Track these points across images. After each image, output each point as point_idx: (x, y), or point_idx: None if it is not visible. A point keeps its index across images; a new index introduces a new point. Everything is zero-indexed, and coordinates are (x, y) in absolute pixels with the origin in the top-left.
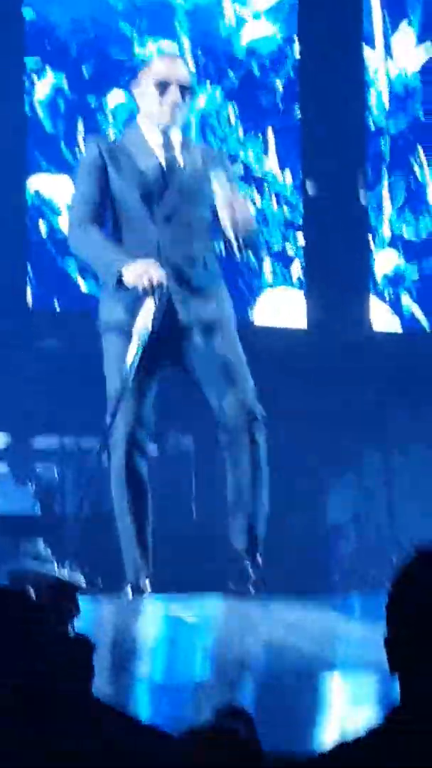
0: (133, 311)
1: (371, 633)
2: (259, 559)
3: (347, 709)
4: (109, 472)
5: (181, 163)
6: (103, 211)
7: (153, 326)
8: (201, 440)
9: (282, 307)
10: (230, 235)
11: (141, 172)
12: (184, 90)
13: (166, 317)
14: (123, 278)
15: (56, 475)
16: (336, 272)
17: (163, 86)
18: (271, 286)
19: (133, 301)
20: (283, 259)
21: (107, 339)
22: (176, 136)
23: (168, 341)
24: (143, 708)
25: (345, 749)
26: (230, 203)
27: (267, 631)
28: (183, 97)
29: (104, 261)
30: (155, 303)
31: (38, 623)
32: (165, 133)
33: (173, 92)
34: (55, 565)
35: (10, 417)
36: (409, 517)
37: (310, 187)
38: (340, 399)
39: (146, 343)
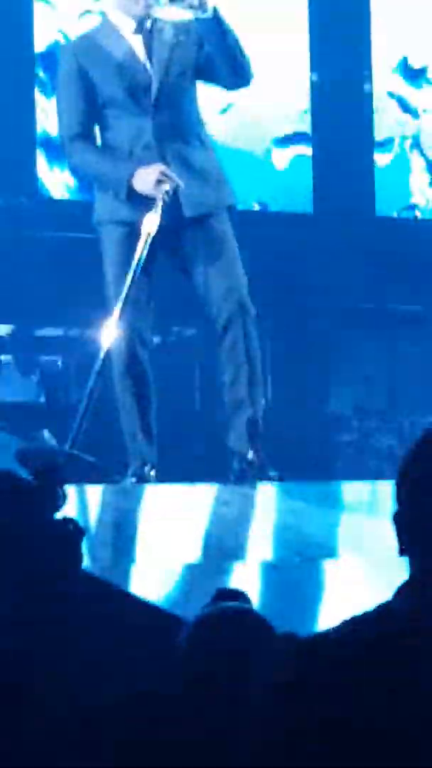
0: (136, 207)
1: (372, 521)
2: (257, 458)
3: (351, 593)
4: (111, 361)
5: (159, 45)
6: (93, 117)
7: (138, 215)
8: (204, 330)
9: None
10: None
11: (119, 64)
12: None
13: (172, 209)
14: (135, 187)
15: (60, 364)
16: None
17: None
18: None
19: (137, 199)
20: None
21: (107, 231)
22: (149, 22)
23: (166, 231)
24: (139, 587)
25: (355, 622)
26: None
27: (269, 517)
28: None
29: (109, 174)
30: (166, 202)
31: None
32: (139, 21)
33: None
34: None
35: (15, 306)
36: (412, 402)
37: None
38: (342, 285)
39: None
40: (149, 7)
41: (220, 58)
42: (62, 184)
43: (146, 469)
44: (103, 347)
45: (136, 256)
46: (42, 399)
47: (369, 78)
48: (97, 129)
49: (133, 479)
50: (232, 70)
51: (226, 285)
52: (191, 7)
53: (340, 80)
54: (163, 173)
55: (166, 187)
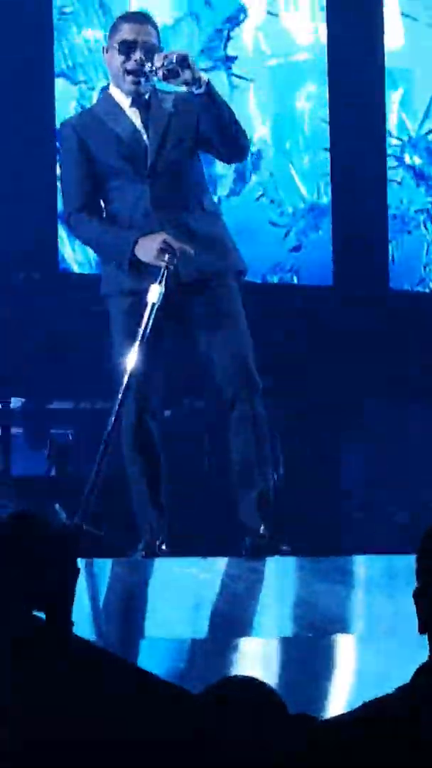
0: (141, 276)
1: (385, 596)
2: (268, 533)
3: (365, 670)
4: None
5: (156, 115)
6: (96, 190)
7: (140, 284)
8: (214, 402)
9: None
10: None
11: (117, 136)
12: (151, 50)
13: (181, 271)
14: (138, 256)
15: (71, 437)
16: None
17: (126, 48)
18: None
19: (140, 268)
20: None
21: (114, 302)
22: (146, 95)
23: (172, 299)
24: (150, 663)
25: (374, 706)
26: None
27: (281, 592)
28: (149, 58)
29: (111, 244)
30: (171, 271)
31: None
32: (135, 94)
33: (137, 55)
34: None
35: (26, 379)
36: (424, 478)
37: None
38: (356, 359)
39: (160, 307)
40: (137, 84)
41: (215, 133)
42: (84, 260)
43: (156, 542)
44: (111, 420)
45: (141, 327)
46: (52, 472)
47: (384, 151)
48: (102, 203)
49: (143, 553)
50: (227, 146)
51: (230, 357)
52: (185, 83)
53: (357, 152)
54: (165, 241)
55: (169, 255)
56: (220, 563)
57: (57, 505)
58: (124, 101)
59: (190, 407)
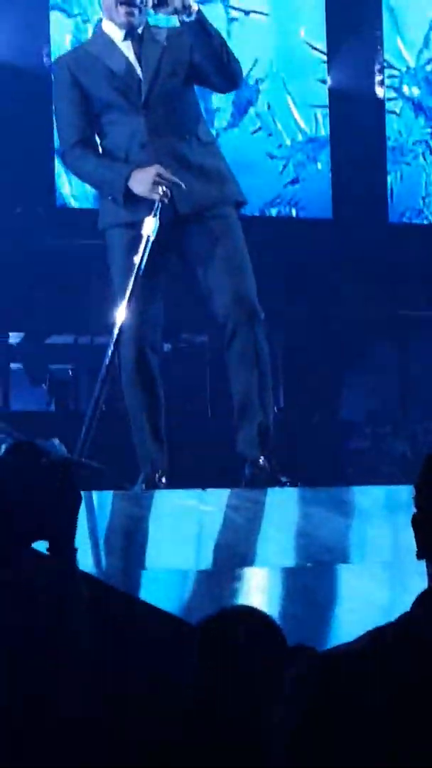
0: (137, 209)
1: (385, 526)
2: (268, 463)
3: (365, 598)
4: (120, 369)
5: (149, 48)
6: (91, 125)
7: (142, 214)
8: (215, 336)
9: None
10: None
11: (112, 72)
12: None
13: (166, 206)
14: (132, 189)
15: (70, 373)
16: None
17: None
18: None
19: (137, 201)
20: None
21: (112, 234)
22: (139, 29)
23: (169, 232)
24: (151, 595)
25: (378, 635)
26: None
27: (280, 523)
28: None
29: (106, 178)
30: (165, 203)
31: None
32: (128, 27)
33: None
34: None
35: (25, 314)
36: (425, 408)
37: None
38: (357, 293)
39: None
40: (130, 15)
41: (207, 61)
42: (82, 194)
43: (156, 475)
44: (108, 354)
45: (136, 260)
46: (52, 407)
47: (381, 82)
48: (98, 138)
49: (143, 486)
50: (220, 74)
51: (232, 288)
52: (175, 11)
53: (355, 85)
54: (159, 174)
55: (163, 188)
56: (220, 494)
57: (56, 440)
58: (117, 35)
59: (190, 341)
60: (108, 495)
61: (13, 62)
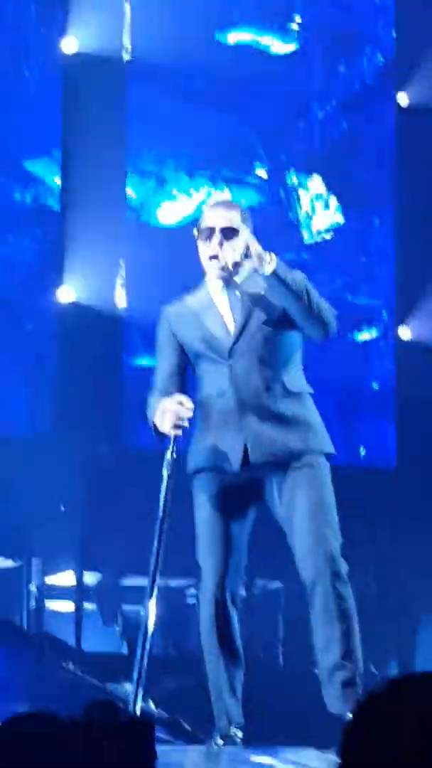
0: (211, 454)
1: None
2: None
3: None
4: (198, 617)
5: (242, 297)
6: (180, 379)
7: (220, 460)
8: (289, 584)
9: None
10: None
11: (205, 328)
12: (230, 233)
13: (250, 450)
14: (155, 422)
15: (143, 614)
16: None
17: (205, 235)
18: None
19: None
20: None
21: (193, 482)
22: (239, 282)
23: (252, 480)
24: None
25: None
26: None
27: None
28: (228, 239)
29: (149, 417)
30: (176, 436)
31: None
32: (225, 281)
33: (215, 239)
34: (139, 706)
35: (102, 555)
36: None
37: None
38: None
39: (171, 475)
40: (222, 270)
41: (291, 312)
42: None
43: (232, 729)
44: (148, 616)
45: (161, 501)
46: (124, 650)
47: None
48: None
49: (220, 740)
50: (307, 323)
51: (312, 541)
52: (255, 269)
53: None
54: (169, 409)
55: (171, 415)
56: (300, 755)
57: (128, 685)
58: (215, 287)
59: (264, 588)
60: (185, 750)
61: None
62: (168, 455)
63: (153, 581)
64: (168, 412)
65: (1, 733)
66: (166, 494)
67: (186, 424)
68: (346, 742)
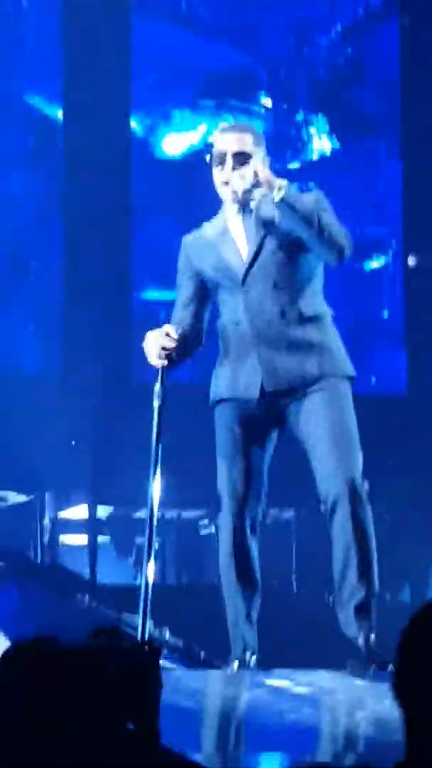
0: (231, 382)
1: None
2: (373, 644)
3: None
4: (217, 546)
5: (256, 222)
6: (196, 309)
7: (237, 391)
8: (303, 513)
9: None
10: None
11: (220, 257)
12: (241, 158)
13: (265, 380)
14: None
15: (157, 546)
16: None
17: (218, 160)
18: None
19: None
20: None
21: (214, 412)
22: (253, 207)
23: (272, 409)
24: None
25: None
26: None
27: (378, 709)
28: (240, 165)
29: None
30: (163, 367)
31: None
32: (240, 206)
33: (228, 164)
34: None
35: (114, 488)
36: None
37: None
38: None
39: (162, 405)
40: (234, 194)
41: (304, 238)
42: None
43: (247, 654)
44: (147, 530)
45: (153, 432)
46: (138, 581)
47: None
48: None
49: (236, 665)
50: (321, 249)
51: (332, 464)
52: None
53: None
54: (150, 341)
55: (153, 349)
56: (313, 677)
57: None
58: (231, 212)
59: (277, 517)
60: (200, 674)
61: None
62: (156, 387)
63: (151, 510)
64: (152, 344)
65: (2, 658)
66: (159, 425)
67: (173, 354)
68: (404, 645)
